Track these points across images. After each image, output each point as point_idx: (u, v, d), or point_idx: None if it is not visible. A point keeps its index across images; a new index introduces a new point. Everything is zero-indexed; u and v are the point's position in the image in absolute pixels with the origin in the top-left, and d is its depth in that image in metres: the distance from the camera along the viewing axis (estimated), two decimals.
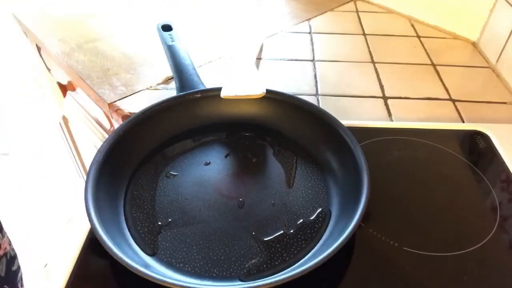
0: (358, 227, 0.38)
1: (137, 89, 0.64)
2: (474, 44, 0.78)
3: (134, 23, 0.82)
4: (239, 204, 0.46)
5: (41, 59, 0.93)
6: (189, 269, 0.39)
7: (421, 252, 0.41)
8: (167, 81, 0.66)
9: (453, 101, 0.64)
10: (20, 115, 1.93)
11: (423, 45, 0.77)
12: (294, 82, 0.67)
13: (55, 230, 1.47)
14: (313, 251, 0.41)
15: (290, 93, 0.54)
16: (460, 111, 0.62)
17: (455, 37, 0.80)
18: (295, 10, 0.88)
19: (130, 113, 0.59)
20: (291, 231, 0.43)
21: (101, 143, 0.47)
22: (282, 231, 0.43)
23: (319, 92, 0.65)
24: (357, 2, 0.91)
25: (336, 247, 0.36)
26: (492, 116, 0.61)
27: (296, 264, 0.40)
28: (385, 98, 0.64)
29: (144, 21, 0.82)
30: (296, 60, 0.72)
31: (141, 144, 0.50)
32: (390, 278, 0.40)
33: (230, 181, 0.48)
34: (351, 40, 0.79)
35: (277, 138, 0.53)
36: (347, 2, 0.91)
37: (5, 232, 0.57)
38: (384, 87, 0.66)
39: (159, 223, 0.43)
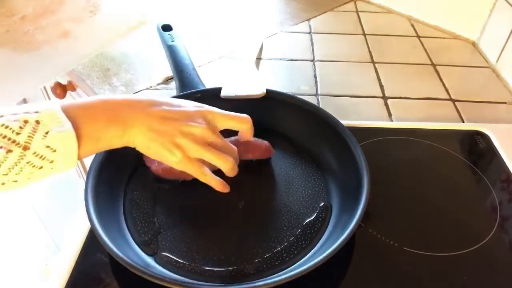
0: (358, 227, 0.38)
1: (137, 89, 0.64)
2: (474, 44, 0.78)
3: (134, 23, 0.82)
4: (239, 204, 0.46)
5: None
6: (189, 269, 0.39)
7: (421, 252, 0.41)
8: (167, 81, 0.66)
9: (453, 101, 0.64)
10: None
11: (423, 45, 0.77)
12: (294, 82, 0.67)
13: (55, 229, 1.47)
14: (313, 251, 0.41)
15: (290, 93, 0.54)
16: (460, 111, 0.62)
17: (455, 37, 0.80)
18: (295, 10, 0.88)
19: None
20: (291, 231, 0.43)
21: None
22: (282, 231, 0.43)
23: (319, 92, 0.65)
24: (357, 2, 0.91)
25: (336, 247, 0.36)
26: (492, 116, 0.61)
27: (296, 264, 0.40)
28: (385, 98, 0.64)
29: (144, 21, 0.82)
30: (296, 60, 0.72)
31: None
32: (390, 278, 0.40)
33: (230, 181, 0.48)
34: (351, 40, 0.79)
35: (277, 138, 0.53)
36: (347, 2, 0.91)
37: None
38: (384, 87, 0.66)
39: (159, 223, 0.43)
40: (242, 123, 0.43)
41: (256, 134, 0.53)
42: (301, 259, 0.40)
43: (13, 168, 0.31)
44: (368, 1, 0.91)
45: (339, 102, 0.63)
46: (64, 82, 0.84)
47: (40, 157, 0.32)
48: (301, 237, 0.42)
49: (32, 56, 0.49)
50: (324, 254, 0.36)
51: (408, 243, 0.42)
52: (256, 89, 0.54)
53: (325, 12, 0.87)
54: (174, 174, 0.47)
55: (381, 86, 0.66)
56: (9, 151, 0.30)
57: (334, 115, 0.50)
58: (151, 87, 0.64)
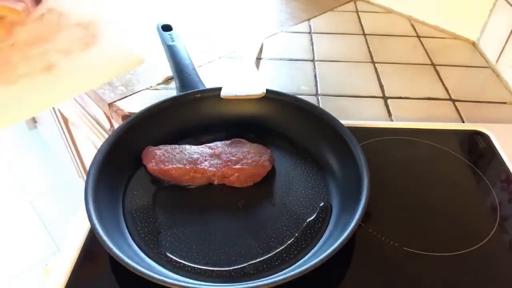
0: (358, 227, 0.38)
1: (137, 89, 0.64)
2: (474, 44, 0.78)
3: (134, 23, 0.82)
4: (239, 205, 0.46)
5: None
6: (189, 269, 0.39)
7: (421, 252, 0.41)
8: (167, 81, 0.66)
9: (453, 101, 0.64)
10: None
11: (423, 45, 0.77)
12: (294, 82, 0.67)
13: (55, 229, 1.47)
14: (313, 251, 0.41)
15: (290, 93, 0.54)
16: (460, 111, 0.62)
17: (455, 37, 0.80)
18: (295, 10, 0.88)
19: (130, 113, 0.59)
20: (291, 231, 0.43)
21: (101, 143, 0.47)
22: (282, 231, 0.43)
23: (319, 92, 0.65)
24: (357, 2, 0.91)
25: (336, 247, 0.36)
26: (492, 116, 0.61)
27: (296, 264, 0.40)
28: (385, 98, 0.64)
29: (144, 21, 0.82)
30: (296, 60, 0.72)
31: (141, 144, 0.50)
32: (390, 278, 0.40)
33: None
34: (351, 40, 0.79)
35: (277, 138, 0.53)
36: (347, 2, 0.91)
37: None
38: (384, 87, 0.66)
39: (159, 223, 0.43)
40: None
41: (256, 134, 0.53)
42: (301, 259, 0.40)
43: None
44: (368, 1, 0.91)
45: (339, 102, 0.63)
46: None
47: None
48: (301, 237, 0.42)
49: (9, 91, 0.45)
50: (324, 254, 0.36)
51: (408, 243, 0.42)
52: (256, 89, 0.54)
53: (325, 12, 0.87)
54: (170, 176, 0.47)
55: (381, 86, 0.67)
56: None
57: (334, 115, 0.50)
58: (151, 87, 0.64)
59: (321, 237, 0.42)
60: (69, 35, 0.49)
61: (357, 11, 0.88)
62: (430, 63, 0.73)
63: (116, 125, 0.64)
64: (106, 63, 0.51)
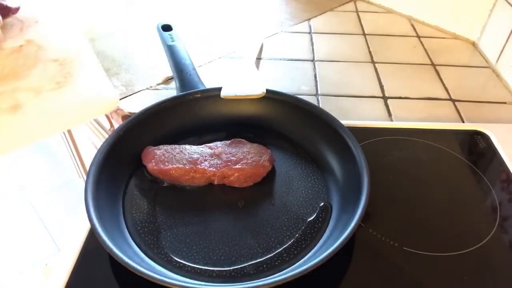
0: (358, 227, 0.38)
1: (137, 89, 0.64)
2: (474, 44, 0.78)
3: (134, 23, 0.82)
4: (239, 204, 0.46)
5: None
6: (189, 269, 0.39)
7: (421, 252, 0.41)
8: (167, 81, 0.66)
9: (453, 101, 0.64)
10: None
11: (423, 45, 0.77)
12: (294, 82, 0.67)
13: (55, 229, 1.47)
14: (313, 251, 0.41)
15: (290, 93, 0.54)
16: (460, 111, 0.62)
17: (455, 37, 0.80)
18: (295, 10, 0.88)
19: (130, 113, 0.59)
20: (291, 231, 0.43)
21: (101, 143, 0.47)
22: (282, 231, 0.43)
23: (319, 92, 0.65)
24: (357, 2, 0.91)
25: (336, 247, 0.36)
26: (492, 116, 0.61)
27: (296, 264, 0.40)
28: (385, 98, 0.64)
29: (144, 21, 0.82)
30: (296, 60, 0.72)
31: (141, 144, 0.50)
32: (390, 278, 0.40)
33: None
34: (351, 40, 0.79)
35: (277, 138, 0.53)
36: (347, 2, 0.91)
37: None
38: (384, 87, 0.66)
39: (159, 223, 0.43)
40: None
41: (256, 134, 0.53)
42: (301, 259, 0.40)
43: None
44: (368, 1, 0.91)
45: (339, 102, 0.63)
46: None
47: None
48: (301, 237, 0.42)
49: None
50: (324, 254, 0.36)
51: (408, 243, 0.42)
52: (256, 89, 0.54)
53: (325, 12, 0.87)
54: (170, 176, 0.47)
55: (381, 86, 0.67)
56: None
57: (334, 115, 0.50)
58: (151, 87, 0.64)
59: (321, 237, 0.42)
60: (43, 71, 0.47)
61: (357, 11, 0.88)
62: (430, 63, 0.73)
63: (116, 125, 0.64)
64: (75, 106, 0.49)
